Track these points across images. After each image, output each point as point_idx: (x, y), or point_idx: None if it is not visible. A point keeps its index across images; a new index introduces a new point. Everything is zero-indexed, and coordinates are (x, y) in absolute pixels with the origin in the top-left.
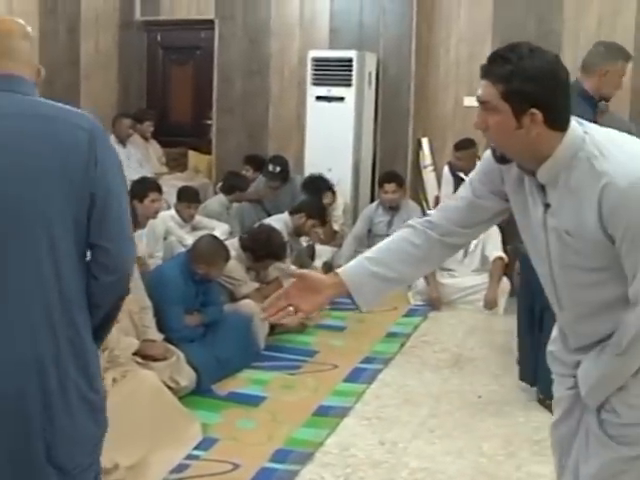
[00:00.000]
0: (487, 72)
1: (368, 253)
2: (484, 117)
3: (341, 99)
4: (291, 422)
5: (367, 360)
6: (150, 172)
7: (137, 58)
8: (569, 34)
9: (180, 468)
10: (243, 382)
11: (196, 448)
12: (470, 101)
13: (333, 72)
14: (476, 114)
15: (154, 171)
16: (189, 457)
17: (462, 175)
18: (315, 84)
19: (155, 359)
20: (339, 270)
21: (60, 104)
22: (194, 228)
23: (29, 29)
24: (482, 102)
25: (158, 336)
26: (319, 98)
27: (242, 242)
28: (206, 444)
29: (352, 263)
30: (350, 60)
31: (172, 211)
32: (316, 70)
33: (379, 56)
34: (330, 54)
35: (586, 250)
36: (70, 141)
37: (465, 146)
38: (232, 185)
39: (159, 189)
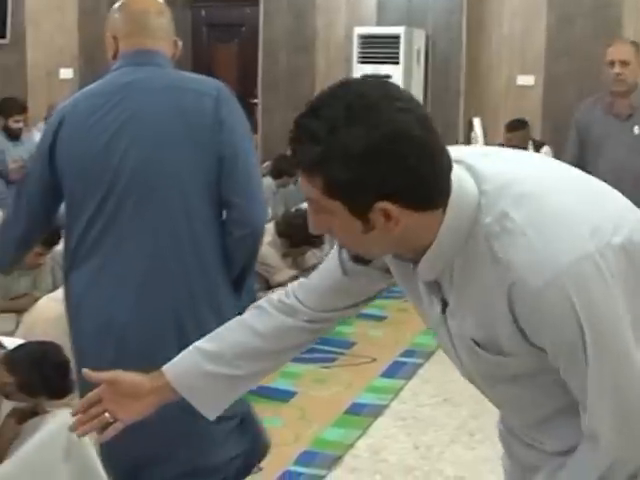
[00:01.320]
0: (296, 158)
1: (203, 342)
2: (319, 218)
3: (388, 78)
4: (321, 421)
5: (407, 353)
6: None
7: (181, 36)
8: (630, 6)
9: None
10: (273, 375)
11: None
12: (524, 80)
13: (380, 50)
14: (521, 98)
15: None
16: None
17: None
18: (361, 62)
19: None
20: (165, 368)
21: (191, 75)
22: None
23: (164, 7)
24: (308, 199)
25: None
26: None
27: (277, 227)
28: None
29: (180, 358)
30: (397, 37)
31: None
32: (362, 48)
33: (428, 32)
34: (377, 31)
35: (508, 362)
36: (197, 108)
37: (516, 127)
38: (281, 169)
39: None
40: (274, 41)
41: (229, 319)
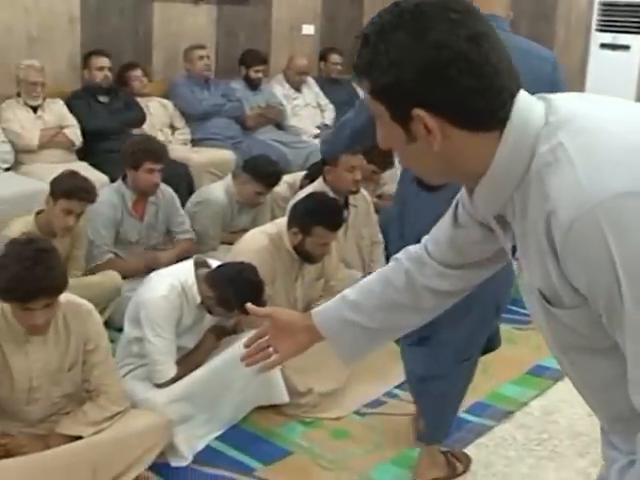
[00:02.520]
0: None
1: (349, 290)
2: (379, 130)
3: (626, 48)
4: (500, 377)
5: None
6: None
7: None
8: None
9: (375, 403)
10: None
11: (397, 387)
12: None
13: (621, 18)
14: None
15: None
16: (387, 394)
17: None
18: (600, 30)
19: None
20: (314, 311)
21: (527, 40)
22: None
23: None
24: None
25: None
26: (603, 46)
27: None
28: (407, 385)
29: (328, 303)
30: (639, 5)
31: None
32: (603, 15)
33: None
34: None
35: (576, 322)
36: (541, 71)
37: None
38: None
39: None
40: (515, 6)
41: None
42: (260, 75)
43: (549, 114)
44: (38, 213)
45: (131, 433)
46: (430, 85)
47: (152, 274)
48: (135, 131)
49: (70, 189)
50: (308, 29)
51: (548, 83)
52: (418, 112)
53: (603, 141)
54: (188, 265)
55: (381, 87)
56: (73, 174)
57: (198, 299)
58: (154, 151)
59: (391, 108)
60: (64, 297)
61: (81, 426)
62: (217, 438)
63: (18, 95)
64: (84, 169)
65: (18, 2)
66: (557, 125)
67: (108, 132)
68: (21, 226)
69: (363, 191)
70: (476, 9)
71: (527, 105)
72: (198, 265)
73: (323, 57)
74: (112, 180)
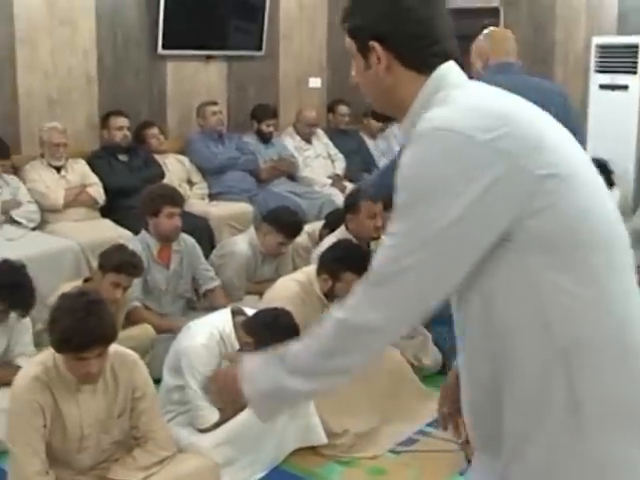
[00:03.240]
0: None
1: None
2: (354, 65)
3: (625, 87)
4: None
5: None
6: None
7: None
8: None
9: (409, 442)
10: None
11: (429, 425)
12: None
13: (618, 59)
14: None
15: None
16: (420, 432)
17: None
18: (598, 72)
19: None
20: None
21: (538, 78)
22: None
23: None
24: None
25: None
26: (602, 87)
27: None
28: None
29: None
30: (636, 46)
31: None
32: (600, 57)
33: None
34: (615, 40)
35: None
36: (551, 102)
37: None
38: None
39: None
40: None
41: None
42: (271, 129)
43: (458, 81)
44: (86, 280)
45: (181, 477)
46: (384, 25)
47: (190, 323)
48: None
49: (119, 264)
50: (315, 82)
51: (560, 110)
52: (373, 44)
53: (466, 102)
54: (225, 313)
55: (353, 27)
56: (122, 248)
57: (236, 346)
58: (171, 195)
59: (357, 41)
60: (111, 347)
61: (132, 472)
62: None
63: (42, 156)
64: (107, 226)
65: (38, 67)
66: (455, 87)
67: (129, 189)
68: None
69: (384, 237)
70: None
71: (450, 69)
72: (235, 313)
73: (331, 109)
74: (135, 235)
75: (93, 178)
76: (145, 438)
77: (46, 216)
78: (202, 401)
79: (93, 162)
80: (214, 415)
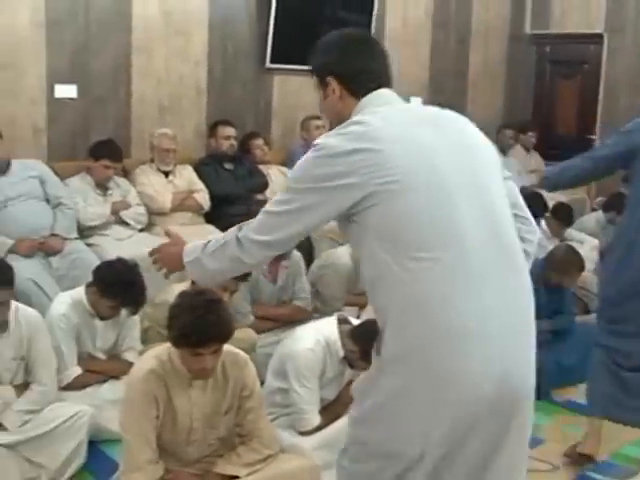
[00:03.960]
0: None
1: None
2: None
3: None
4: (619, 439)
5: None
6: (528, 183)
7: (524, 70)
8: None
9: None
10: (583, 393)
11: None
12: None
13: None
14: None
15: (533, 182)
16: None
17: None
18: None
19: None
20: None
21: None
22: (562, 241)
23: None
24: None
25: None
26: None
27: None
28: (532, 443)
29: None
30: None
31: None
32: None
33: None
34: None
35: None
36: None
37: None
38: (611, 204)
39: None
40: (616, 80)
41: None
42: None
43: (377, 104)
44: (193, 282)
45: (283, 475)
46: (337, 66)
47: (297, 328)
48: (258, 197)
49: None
50: (416, 102)
51: None
52: (330, 79)
53: (359, 123)
54: (331, 321)
55: (316, 67)
56: None
57: (341, 353)
58: None
59: (318, 78)
60: (224, 346)
61: (237, 467)
62: None
63: (151, 161)
64: (211, 232)
65: (152, 74)
66: (369, 112)
67: (234, 197)
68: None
69: None
70: (373, 39)
71: (376, 96)
72: (341, 321)
73: None
74: None
75: (199, 184)
76: (250, 436)
77: (153, 219)
78: (305, 405)
79: (200, 169)
80: (316, 419)
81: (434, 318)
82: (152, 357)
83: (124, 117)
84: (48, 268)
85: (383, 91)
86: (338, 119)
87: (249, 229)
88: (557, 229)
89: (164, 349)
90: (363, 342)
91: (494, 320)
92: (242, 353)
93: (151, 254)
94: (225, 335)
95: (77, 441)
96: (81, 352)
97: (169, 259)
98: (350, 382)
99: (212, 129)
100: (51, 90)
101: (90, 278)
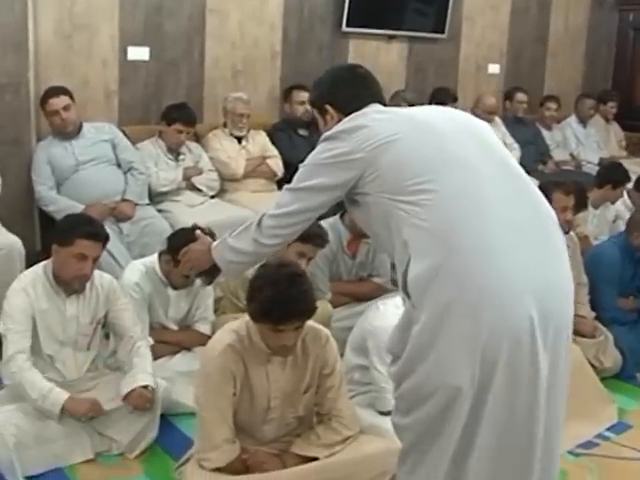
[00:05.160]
0: None
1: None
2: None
3: None
4: None
5: None
6: (608, 154)
7: (606, 38)
8: None
9: (588, 445)
10: None
11: (608, 429)
12: None
13: None
14: None
15: (613, 154)
16: (599, 436)
17: None
18: None
19: (583, 335)
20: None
21: None
22: None
23: None
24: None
25: (589, 314)
26: None
27: None
28: (619, 428)
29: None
30: None
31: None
32: None
33: None
34: None
35: None
36: None
37: None
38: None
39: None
40: None
41: None
42: None
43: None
44: None
45: (363, 457)
46: (331, 95)
47: (378, 303)
48: None
49: (306, 234)
50: (494, 68)
51: None
52: (327, 107)
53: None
54: None
55: (314, 98)
56: None
57: None
58: None
59: (316, 107)
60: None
61: (316, 448)
62: None
63: (224, 125)
64: None
65: (227, 37)
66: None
67: None
68: None
69: (571, 232)
70: (358, 68)
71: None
72: None
73: (508, 96)
74: None
75: (273, 150)
76: (329, 415)
77: (225, 185)
78: (387, 383)
79: (274, 134)
80: None
81: (456, 239)
82: (230, 331)
83: (197, 81)
84: (119, 234)
85: (373, 105)
86: None
87: (268, 209)
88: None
89: (242, 323)
90: None
91: (517, 233)
92: (324, 329)
93: (182, 254)
94: (308, 311)
95: (150, 416)
96: (153, 322)
97: (197, 256)
98: None
99: (287, 94)
100: (124, 52)
101: (160, 245)
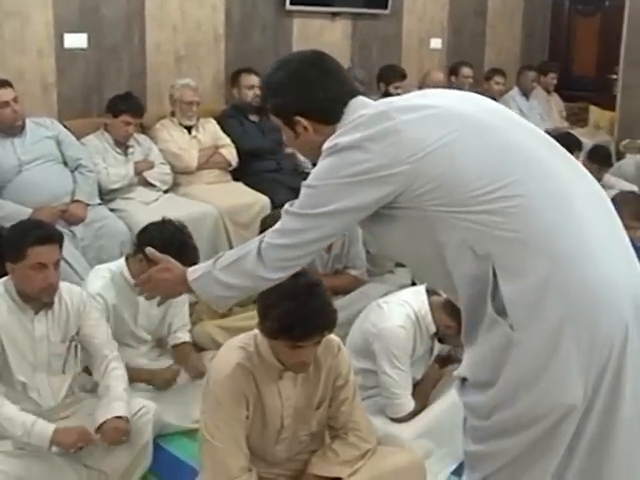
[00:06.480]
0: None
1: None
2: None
3: None
4: None
5: None
6: (551, 126)
7: (542, 8)
8: None
9: None
10: None
11: None
12: None
13: None
14: None
15: (555, 125)
16: None
17: None
18: None
19: None
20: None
21: None
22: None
23: None
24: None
25: None
26: None
27: None
28: None
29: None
30: None
31: None
32: None
33: None
34: None
35: None
36: None
37: None
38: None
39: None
40: None
41: None
42: (400, 91)
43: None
44: None
45: (388, 473)
46: (301, 104)
47: (380, 301)
48: (288, 150)
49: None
50: (436, 43)
51: None
52: (298, 119)
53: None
54: (419, 292)
55: (275, 107)
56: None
57: (432, 328)
58: None
59: (281, 118)
60: None
61: (336, 467)
62: (452, 472)
63: (172, 115)
64: (242, 190)
65: (168, 20)
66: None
67: (261, 151)
68: None
69: None
70: (319, 57)
71: (350, 111)
72: (430, 293)
73: (454, 71)
74: (272, 202)
75: (225, 139)
76: (345, 429)
77: (177, 178)
78: (398, 388)
79: (224, 122)
80: (411, 403)
81: (558, 247)
82: (237, 348)
83: (139, 68)
84: (72, 239)
85: (353, 102)
86: (318, 151)
87: (267, 236)
88: (596, 173)
89: (248, 338)
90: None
91: (602, 230)
92: (335, 338)
93: (141, 284)
94: (331, 323)
95: (142, 442)
96: (124, 332)
97: (164, 285)
98: (437, 358)
99: (234, 78)
100: (60, 40)
101: (118, 248)
